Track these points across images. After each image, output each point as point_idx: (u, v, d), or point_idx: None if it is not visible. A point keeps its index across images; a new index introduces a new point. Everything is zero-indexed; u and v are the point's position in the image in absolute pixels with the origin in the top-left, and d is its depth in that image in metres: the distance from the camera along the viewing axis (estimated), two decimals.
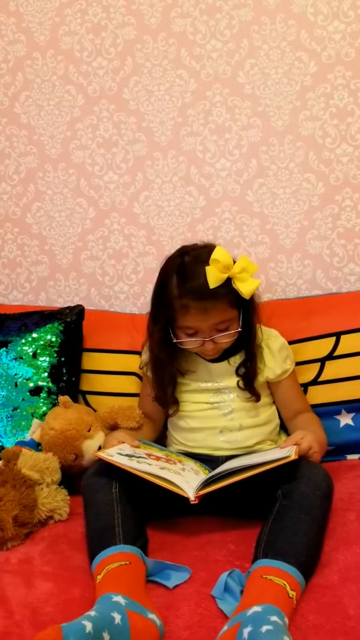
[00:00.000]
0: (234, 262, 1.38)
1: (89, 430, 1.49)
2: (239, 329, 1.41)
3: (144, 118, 1.84)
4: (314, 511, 1.18)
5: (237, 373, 1.48)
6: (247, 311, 1.43)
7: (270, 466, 1.21)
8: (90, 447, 1.47)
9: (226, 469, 1.26)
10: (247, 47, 1.75)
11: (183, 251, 1.45)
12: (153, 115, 1.83)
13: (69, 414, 1.50)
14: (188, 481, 1.27)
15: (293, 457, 1.22)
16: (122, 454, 1.32)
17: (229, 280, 1.36)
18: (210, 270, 1.34)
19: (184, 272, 1.40)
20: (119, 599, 1.01)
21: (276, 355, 1.50)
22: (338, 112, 1.74)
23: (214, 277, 1.34)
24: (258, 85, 1.77)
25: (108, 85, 1.85)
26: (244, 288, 1.37)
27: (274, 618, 0.95)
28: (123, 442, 1.41)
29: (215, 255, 1.35)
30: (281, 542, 1.12)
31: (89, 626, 0.94)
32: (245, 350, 1.47)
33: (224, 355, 1.48)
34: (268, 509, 1.20)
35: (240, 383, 1.47)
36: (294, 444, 1.30)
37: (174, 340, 1.42)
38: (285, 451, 1.26)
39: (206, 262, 1.35)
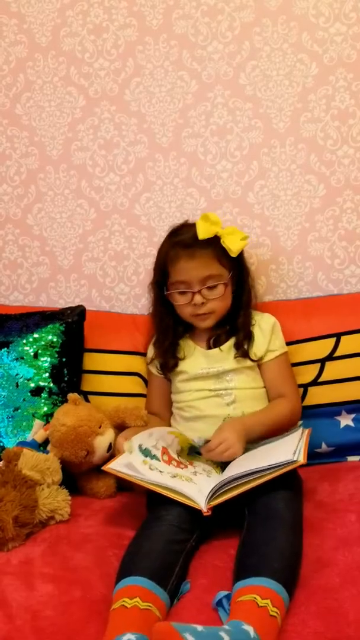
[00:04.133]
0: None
1: (99, 427, 1.50)
2: (225, 282, 1.50)
3: (145, 119, 1.84)
4: (279, 513, 1.18)
5: (235, 349, 1.53)
6: (238, 281, 1.55)
7: (278, 473, 1.22)
8: (102, 444, 1.48)
9: (234, 475, 1.25)
10: (249, 48, 1.76)
11: (183, 222, 1.63)
12: (154, 116, 1.83)
13: (79, 410, 1.51)
14: (200, 489, 1.26)
15: (302, 461, 1.22)
16: (141, 448, 1.34)
17: (218, 239, 1.50)
18: (200, 223, 1.49)
19: (176, 231, 1.58)
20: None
21: (265, 333, 1.56)
22: (339, 114, 1.74)
23: (202, 229, 1.49)
24: (259, 87, 1.77)
25: (109, 87, 1.85)
26: (233, 245, 1.50)
27: None
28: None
29: (205, 214, 1.51)
30: (251, 559, 1.12)
31: None
32: (237, 327, 1.55)
33: (217, 341, 1.55)
34: (240, 524, 1.22)
35: (238, 359, 1.53)
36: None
37: (165, 293, 1.54)
38: (291, 455, 1.25)
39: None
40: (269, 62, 1.75)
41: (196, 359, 1.56)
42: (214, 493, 1.24)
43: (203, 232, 1.48)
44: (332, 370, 1.62)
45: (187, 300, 1.51)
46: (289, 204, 1.79)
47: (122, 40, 1.82)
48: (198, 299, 1.49)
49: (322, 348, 1.63)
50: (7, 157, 1.94)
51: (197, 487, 1.27)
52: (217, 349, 1.55)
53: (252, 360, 1.54)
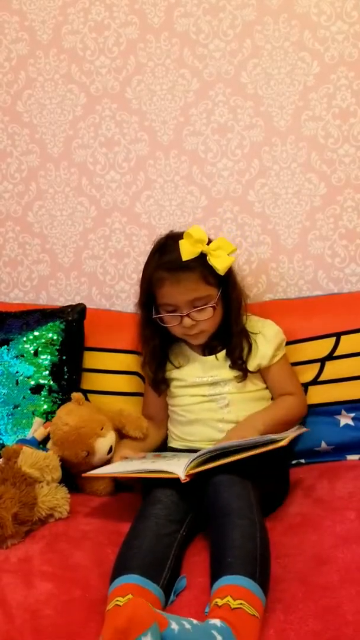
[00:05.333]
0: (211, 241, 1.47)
1: (101, 429, 1.50)
2: (214, 304, 1.46)
3: (146, 117, 1.84)
4: (224, 504, 1.18)
5: (230, 362, 1.51)
6: (227, 294, 1.50)
7: (260, 450, 1.24)
8: (103, 445, 1.48)
9: (217, 449, 1.27)
10: (250, 47, 1.75)
11: (169, 234, 1.54)
12: (155, 114, 1.83)
13: (82, 411, 1.51)
14: (179, 465, 1.28)
15: (283, 443, 1.26)
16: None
17: (204, 257, 1.44)
18: (183, 244, 1.42)
19: (162, 248, 1.50)
20: None
21: (271, 343, 1.54)
22: (341, 112, 1.74)
23: (186, 249, 1.42)
24: (261, 85, 1.77)
25: (110, 84, 1.85)
26: (219, 264, 1.44)
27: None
28: (126, 458, 1.45)
29: (189, 230, 1.43)
30: (212, 565, 1.12)
31: None
32: (230, 338, 1.51)
33: (213, 350, 1.53)
34: None
35: (234, 370, 1.51)
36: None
37: (154, 316, 1.49)
38: (276, 435, 1.30)
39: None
40: (270, 60, 1.75)
41: (192, 367, 1.54)
42: (193, 461, 1.26)
43: (187, 253, 1.42)
44: (332, 369, 1.62)
45: (176, 322, 1.47)
46: (290, 202, 1.79)
47: (124, 38, 1.82)
48: (187, 322, 1.45)
49: (322, 347, 1.63)
50: (7, 154, 1.94)
51: (176, 463, 1.30)
52: (212, 357, 1.53)
53: (251, 372, 1.52)
